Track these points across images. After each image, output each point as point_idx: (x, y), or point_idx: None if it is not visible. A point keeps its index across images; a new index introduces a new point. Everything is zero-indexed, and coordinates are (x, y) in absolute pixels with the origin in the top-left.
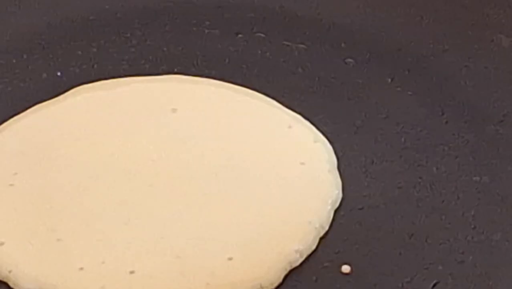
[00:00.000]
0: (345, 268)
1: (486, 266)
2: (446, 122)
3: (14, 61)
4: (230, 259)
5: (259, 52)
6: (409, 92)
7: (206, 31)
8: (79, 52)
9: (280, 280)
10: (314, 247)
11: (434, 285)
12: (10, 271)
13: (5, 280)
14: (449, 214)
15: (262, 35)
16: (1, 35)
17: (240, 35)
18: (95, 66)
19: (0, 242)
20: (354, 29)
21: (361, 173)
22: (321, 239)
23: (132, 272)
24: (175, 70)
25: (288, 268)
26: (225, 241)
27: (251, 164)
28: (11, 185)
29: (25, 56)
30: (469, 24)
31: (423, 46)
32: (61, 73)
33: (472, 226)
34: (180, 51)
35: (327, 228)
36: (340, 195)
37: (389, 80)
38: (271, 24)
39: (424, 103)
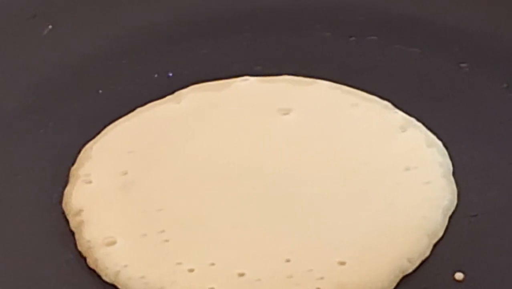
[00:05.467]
0: (459, 276)
1: None
2: None
3: (124, 61)
4: (341, 263)
5: (372, 55)
6: None
7: (317, 33)
8: (190, 53)
9: (392, 287)
10: (427, 253)
11: None
12: (118, 272)
13: (112, 281)
14: None
15: (375, 38)
16: (111, 35)
17: (352, 38)
18: (206, 67)
19: (112, 241)
20: (468, 33)
21: (476, 179)
22: (435, 245)
23: (241, 275)
24: (286, 72)
25: (401, 275)
26: (336, 245)
27: (363, 167)
28: (123, 184)
29: (134, 57)
30: None
31: None
32: (172, 73)
33: None
34: (291, 53)
35: (440, 234)
36: (455, 201)
37: (505, 85)
38: (384, 27)
39: None
